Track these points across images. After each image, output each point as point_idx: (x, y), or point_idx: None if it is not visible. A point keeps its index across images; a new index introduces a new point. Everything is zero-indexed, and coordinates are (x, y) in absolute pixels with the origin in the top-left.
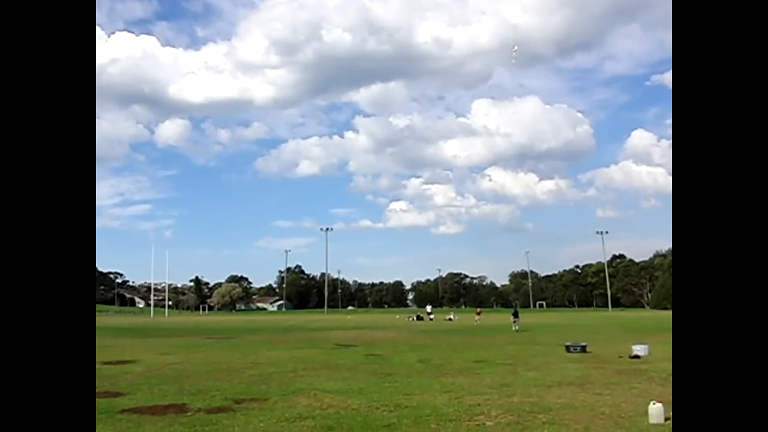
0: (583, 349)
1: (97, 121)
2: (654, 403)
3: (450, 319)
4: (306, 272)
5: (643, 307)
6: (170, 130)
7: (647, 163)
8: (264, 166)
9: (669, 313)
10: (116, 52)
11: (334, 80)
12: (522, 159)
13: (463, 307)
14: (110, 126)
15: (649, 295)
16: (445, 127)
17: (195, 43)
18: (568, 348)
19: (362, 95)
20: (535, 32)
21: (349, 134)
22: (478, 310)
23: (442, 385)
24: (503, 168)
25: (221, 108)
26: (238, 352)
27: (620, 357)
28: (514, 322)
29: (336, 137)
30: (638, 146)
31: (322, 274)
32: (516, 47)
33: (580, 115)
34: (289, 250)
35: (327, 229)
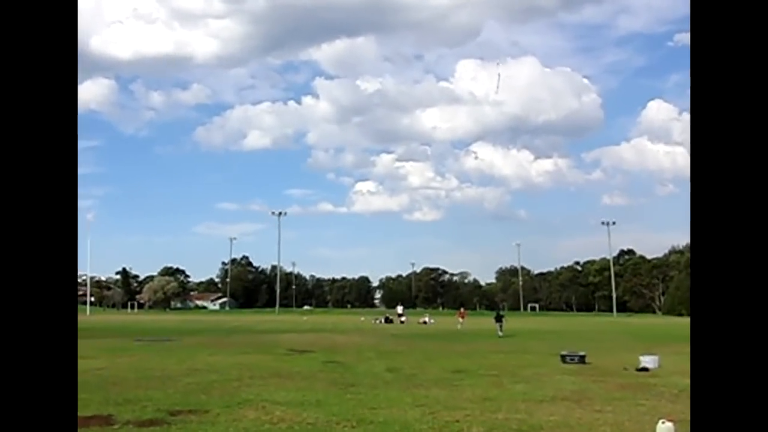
0: (582, 359)
1: None
2: (663, 422)
3: (425, 323)
4: (254, 265)
5: (654, 312)
6: (92, 92)
7: (665, 140)
8: (205, 137)
9: (684, 320)
10: None
11: (290, 34)
12: (515, 133)
13: (441, 308)
14: None
15: (662, 298)
16: (424, 93)
17: None
18: (563, 358)
19: (324, 53)
20: None
21: (307, 100)
22: (462, 310)
23: (414, 398)
24: (492, 143)
25: (154, 66)
26: (174, 357)
27: (625, 369)
28: (500, 327)
29: (292, 103)
30: (655, 120)
31: (274, 267)
32: (500, 73)
33: (586, 81)
34: (235, 238)
35: (280, 213)
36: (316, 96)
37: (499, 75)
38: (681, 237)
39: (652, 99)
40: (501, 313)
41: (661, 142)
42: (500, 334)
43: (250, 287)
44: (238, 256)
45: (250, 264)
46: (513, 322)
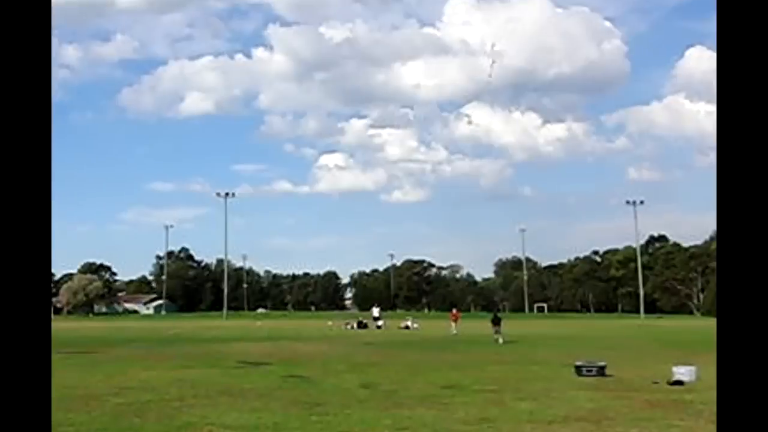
0: (601, 370)
1: None
2: None
3: (407, 327)
4: (196, 259)
5: (691, 312)
6: None
7: (707, 98)
8: (132, 101)
9: None
10: None
11: None
12: (518, 91)
13: (427, 309)
14: None
15: (701, 295)
16: (404, 42)
17: None
18: (579, 369)
19: None
20: None
21: (259, 52)
22: (455, 311)
23: (395, 421)
24: (490, 104)
25: (66, 12)
26: (100, 373)
27: (655, 383)
28: (496, 332)
29: (240, 57)
30: (695, 73)
31: (220, 262)
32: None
33: (608, 24)
34: (171, 226)
35: (226, 194)
36: (269, 47)
37: (492, 61)
38: None
39: (692, 46)
40: (499, 315)
41: (702, 100)
42: (499, 340)
43: (191, 286)
44: (175, 248)
45: (190, 258)
46: (518, 326)
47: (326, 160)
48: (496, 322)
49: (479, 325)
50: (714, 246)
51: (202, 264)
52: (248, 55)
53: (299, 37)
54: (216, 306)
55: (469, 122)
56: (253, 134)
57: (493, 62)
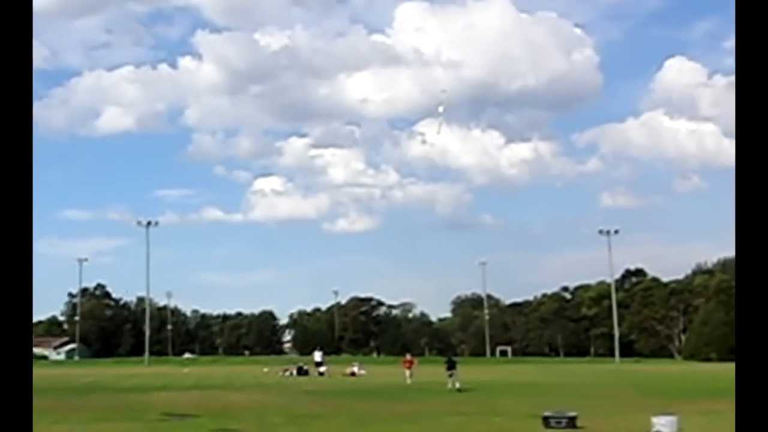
0: (572, 422)
1: None
2: None
3: (353, 374)
4: (114, 297)
5: (671, 356)
6: None
7: (689, 115)
8: (41, 117)
9: (713, 367)
10: None
11: None
12: (479, 106)
13: (376, 354)
14: None
15: (682, 336)
16: (350, 51)
17: None
18: (547, 420)
19: None
20: None
21: (185, 62)
22: (408, 357)
23: None
24: (446, 121)
25: None
26: None
27: None
28: (450, 376)
29: (164, 67)
30: (675, 86)
31: (141, 300)
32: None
33: (578, 31)
34: (86, 260)
35: (149, 223)
36: (197, 56)
37: (441, 114)
38: (710, 251)
39: (672, 56)
40: (454, 358)
41: (683, 116)
42: (456, 386)
43: (108, 328)
44: (90, 284)
45: (107, 295)
46: (477, 371)
47: (262, 184)
48: (451, 366)
49: (435, 370)
50: (697, 281)
51: (121, 303)
52: (173, 65)
53: (231, 45)
54: (137, 350)
55: (423, 141)
56: (178, 155)
57: (441, 116)
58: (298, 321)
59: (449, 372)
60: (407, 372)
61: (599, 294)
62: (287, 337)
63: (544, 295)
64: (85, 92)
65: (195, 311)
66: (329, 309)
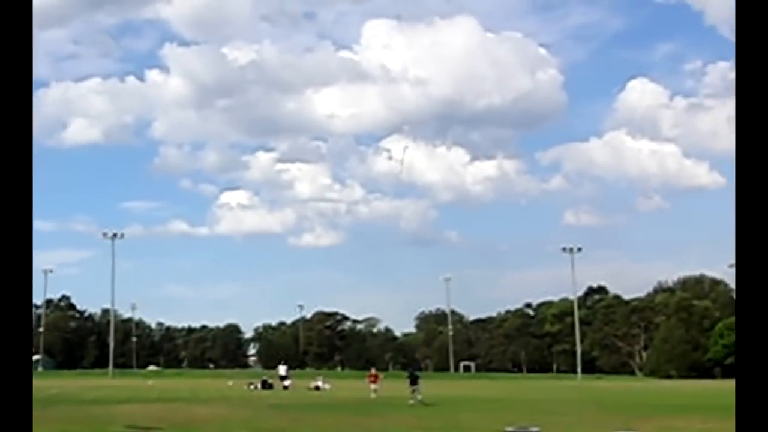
0: None
1: None
2: None
3: (317, 388)
4: (78, 308)
5: (632, 373)
6: None
7: (651, 135)
8: None
9: (674, 384)
10: None
11: None
12: (444, 123)
13: (341, 368)
14: None
15: (644, 353)
16: (317, 67)
17: None
18: None
19: (176, 8)
20: None
21: (153, 75)
22: (373, 371)
23: None
24: (412, 138)
25: None
26: None
27: None
28: (413, 391)
29: (131, 80)
30: (637, 107)
31: (106, 312)
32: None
33: (542, 51)
34: (51, 271)
35: (114, 235)
36: (165, 69)
37: (404, 151)
38: (670, 269)
39: (634, 77)
40: (416, 373)
41: (645, 137)
42: (418, 398)
43: (72, 340)
44: (54, 296)
45: (72, 307)
46: (440, 386)
47: (228, 197)
48: (414, 381)
49: (399, 385)
50: (658, 299)
51: (86, 314)
52: (141, 78)
53: (199, 59)
54: (101, 362)
55: (389, 157)
56: (145, 167)
57: (404, 152)
58: (263, 335)
59: (412, 387)
60: (372, 386)
61: (562, 311)
62: (252, 350)
63: (508, 312)
64: (52, 103)
65: (160, 324)
66: (294, 323)
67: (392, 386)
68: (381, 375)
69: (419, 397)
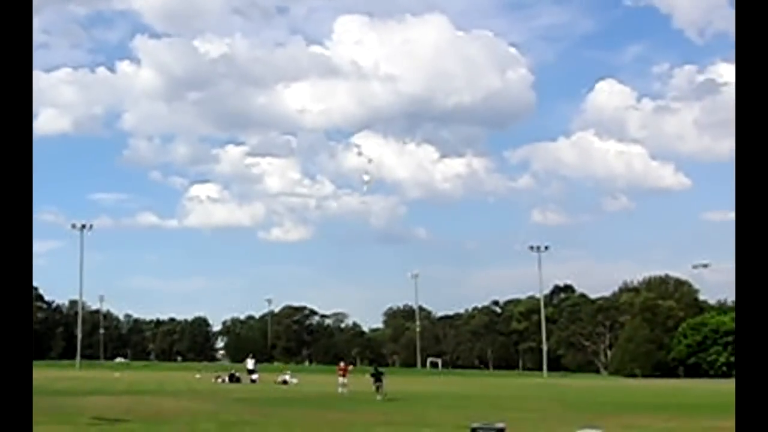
0: None
1: None
2: None
3: (284, 382)
4: (45, 299)
5: (597, 371)
6: None
7: (618, 136)
8: None
9: (637, 383)
10: None
11: None
12: (414, 121)
13: (308, 362)
14: None
15: (609, 352)
16: (288, 61)
17: None
18: None
19: (148, 0)
20: None
21: (124, 66)
22: (342, 365)
23: None
24: (383, 134)
25: None
26: None
27: None
28: (377, 388)
29: (102, 71)
30: (605, 108)
31: (73, 304)
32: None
33: (513, 50)
34: None
35: (83, 226)
36: (136, 61)
37: (368, 169)
38: (635, 269)
39: (603, 79)
40: (379, 369)
41: (612, 138)
42: (384, 395)
43: (39, 331)
44: None
45: (40, 298)
46: (407, 382)
47: (197, 190)
48: (377, 377)
49: (366, 380)
50: (623, 299)
51: (53, 305)
52: (112, 69)
53: (170, 51)
54: (68, 354)
55: (359, 153)
56: (114, 159)
57: (370, 161)
58: (231, 328)
59: (376, 384)
60: (341, 380)
61: (529, 309)
62: (220, 343)
63: (475, 309)
64: None
65: (128, 316)
66: (262, 317)
67: (360, 381)
68: (350, 368)
69: (382, 395)
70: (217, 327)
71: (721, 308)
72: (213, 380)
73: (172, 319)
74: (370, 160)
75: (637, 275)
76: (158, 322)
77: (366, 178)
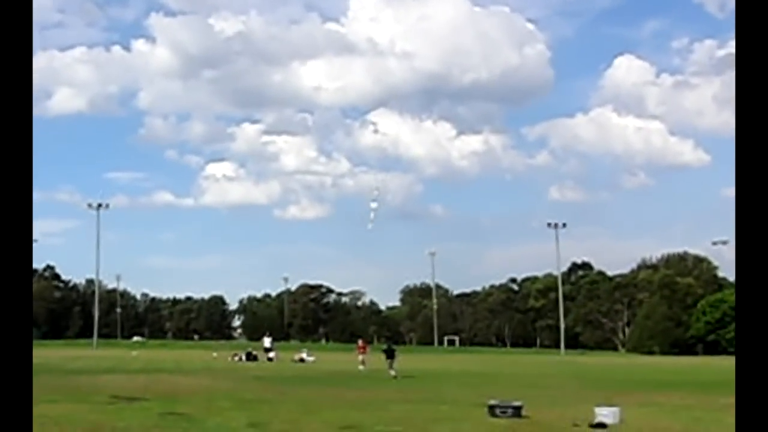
0: (517, 411)
1: None
2: None
3: (302, 360)
4: (63, 278)
5: (615, 349)
6: None
7: (637, 112)
8: None
9: (655, 360)
10: None
11: None
12: (431, 97)
13: (325, 340)
14: None
15: (627, 329)
16: (304, 39)
17: None
18: (492, 409)
19: None
20: None
21: (139, 44)
22: (360, 343)
23: None
24: (399, 112)
25: None
26: None
27: (576, 426)
28: (390, 365)
29: (117, 49)
30: (624, 84)
31: (90, 282)
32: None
33: (530, 26)
34: (36, 241)
35: (99, 205)
36: (151, 39)
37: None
38: (654, 246)
39: (621, 54)
40: (392, 347)
41: (631, 114)
42: (393, 373)
43: (56, 310)
44: (39, 265)
45: (56, 277)
46: (424, 360)
47: (213, 169)
48: (390, 354)
49: (383, 358)
50: (641, 276)
51: (70, 284)
52: (127, 48)
53: (185, 29)
54: (85, 333)
55: (375, 131)
56: (130, 138)
57: (377, 189)
58: (248, 306)
59: (388, 360)
60: (360, 357)
61: (546, 286)
62: (237, 322)
63: (492, 286)
64: (37, 72)
65: (144, 295)
66: (279, 295)
67: (377, 359)
68: (368, 346)
69: (395, 370)
70: (233, 305)
71: None
72: (230, 359)
73: (188, 298)
74: (377, 189)
75: (655, 252)
76: (175, 301)
77: (373, 205)
